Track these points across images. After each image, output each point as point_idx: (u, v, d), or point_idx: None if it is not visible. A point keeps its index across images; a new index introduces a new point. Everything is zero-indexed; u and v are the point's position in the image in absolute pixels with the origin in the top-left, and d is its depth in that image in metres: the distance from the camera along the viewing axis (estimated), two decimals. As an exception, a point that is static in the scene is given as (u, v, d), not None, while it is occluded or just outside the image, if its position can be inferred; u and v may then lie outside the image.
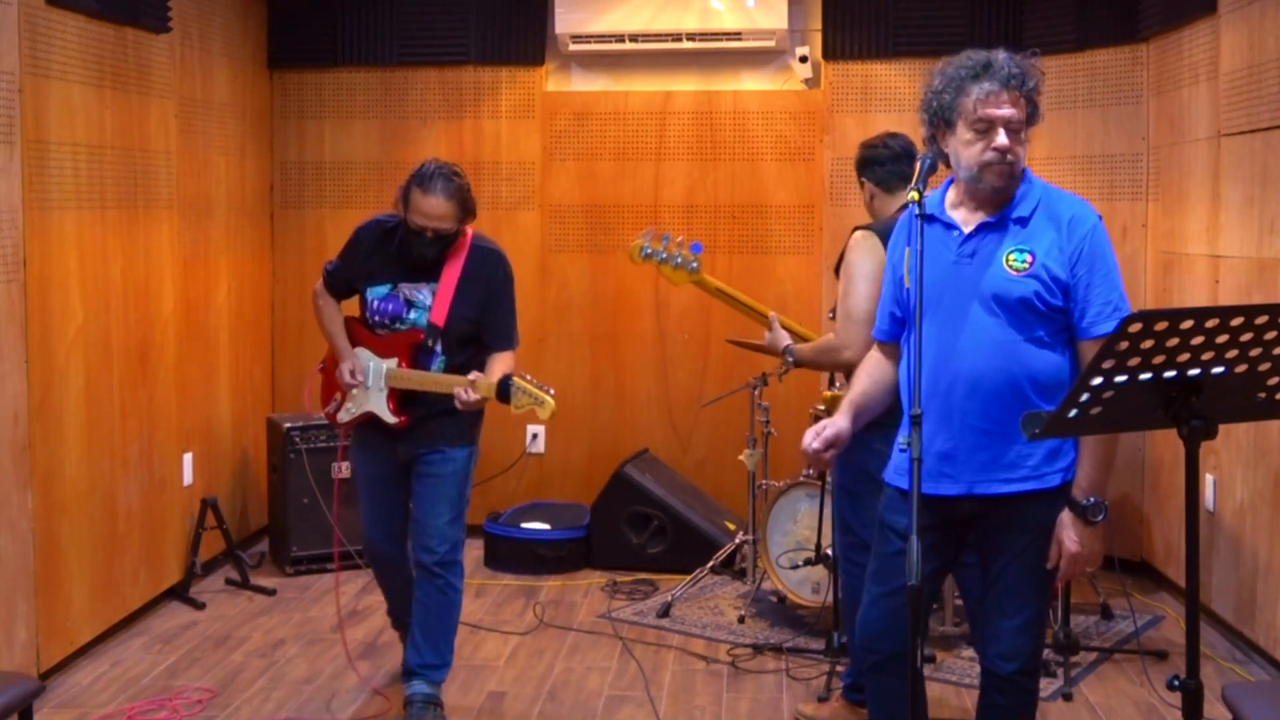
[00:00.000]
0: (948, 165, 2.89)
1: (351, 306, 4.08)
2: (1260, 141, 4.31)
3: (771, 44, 5.84)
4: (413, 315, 3.90)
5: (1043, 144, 5.69)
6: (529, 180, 6.09)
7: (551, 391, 3.84)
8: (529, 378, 3.84)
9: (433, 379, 3.87)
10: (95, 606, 4.54)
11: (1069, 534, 2.77)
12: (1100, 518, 2.75)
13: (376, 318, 3.93)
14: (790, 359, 3.89)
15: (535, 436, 6.14)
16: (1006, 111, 2.75)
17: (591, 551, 5.64)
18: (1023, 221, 2.81)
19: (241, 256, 5.82)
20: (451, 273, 3.88)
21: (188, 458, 5.26)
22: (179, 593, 5.14)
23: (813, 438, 2.89)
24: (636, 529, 5.58)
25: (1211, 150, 4.68)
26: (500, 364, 3.91)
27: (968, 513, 2.86)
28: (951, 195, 2.91)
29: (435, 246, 3.83)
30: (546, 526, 5.67)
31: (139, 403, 4.85)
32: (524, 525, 5.67)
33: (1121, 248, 5.44)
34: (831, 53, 5.90)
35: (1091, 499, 2.75)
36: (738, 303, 4.25)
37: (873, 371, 3.06)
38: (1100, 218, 2.85)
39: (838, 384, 4.50)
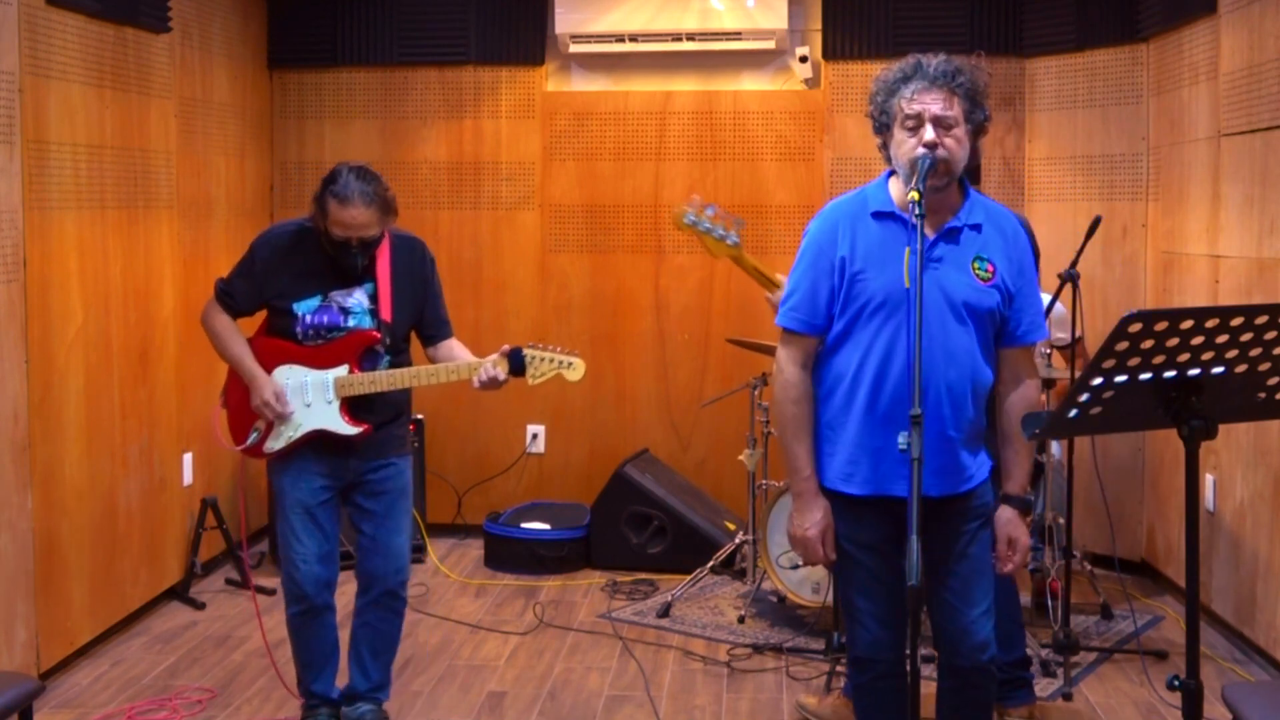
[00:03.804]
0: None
1: (248, 325, 3.83)
2: (1260, 141, 4.30)
3: (771, 44, 5.84)
4: (350, 322, 3.69)
5: (1043, 144, 5.70)
6: (529, 180, 6.09)
7: (576, 353, 3.74)
8: (541, 345, 3.74)
9: (424, 372, 3.69)
10: (95, 606, 4.54)
11: (1019, 529, 2.90)
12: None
13: (310, 331, 3.68)
14: None
15: (535, 436, 6.14)
16: (934, 108, 2.78)
17: (591, 551, 5.64)
18: (978, 228, 2.86)
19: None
20: (384, 269, 3.70)
21: (188, 458, 5.26)
22: (179, 593, 5.14)
23: (824, 551, 2.90)
24: (636, 529, 5.58)
25: (1211, 150, 4.68)
26: (460, 350, 3.83)
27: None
28: (898, 196, 2.88)
29: (364, 254, 3.63)
30: (546, 526, 5.67)
31: (139, 403, 4.85)
32: (524, 525, 5.67)
33: (1121, 248, 5.44)
34: (831, 53, 5.90)
35: (1029, 495, 2.95)
36: (774, 286, 4.21)
37: (804, 424, 2.89)
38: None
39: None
